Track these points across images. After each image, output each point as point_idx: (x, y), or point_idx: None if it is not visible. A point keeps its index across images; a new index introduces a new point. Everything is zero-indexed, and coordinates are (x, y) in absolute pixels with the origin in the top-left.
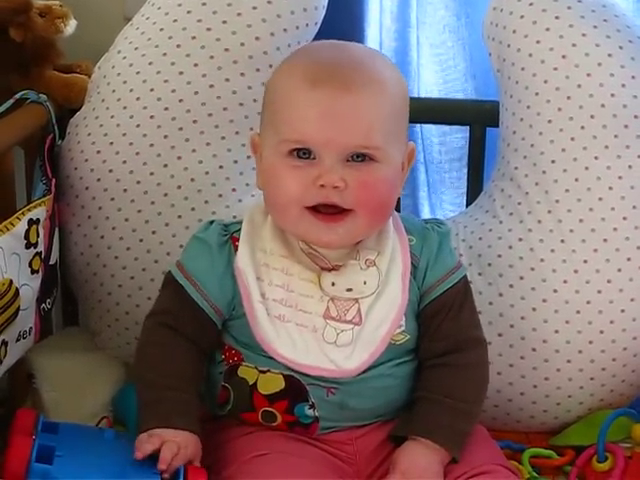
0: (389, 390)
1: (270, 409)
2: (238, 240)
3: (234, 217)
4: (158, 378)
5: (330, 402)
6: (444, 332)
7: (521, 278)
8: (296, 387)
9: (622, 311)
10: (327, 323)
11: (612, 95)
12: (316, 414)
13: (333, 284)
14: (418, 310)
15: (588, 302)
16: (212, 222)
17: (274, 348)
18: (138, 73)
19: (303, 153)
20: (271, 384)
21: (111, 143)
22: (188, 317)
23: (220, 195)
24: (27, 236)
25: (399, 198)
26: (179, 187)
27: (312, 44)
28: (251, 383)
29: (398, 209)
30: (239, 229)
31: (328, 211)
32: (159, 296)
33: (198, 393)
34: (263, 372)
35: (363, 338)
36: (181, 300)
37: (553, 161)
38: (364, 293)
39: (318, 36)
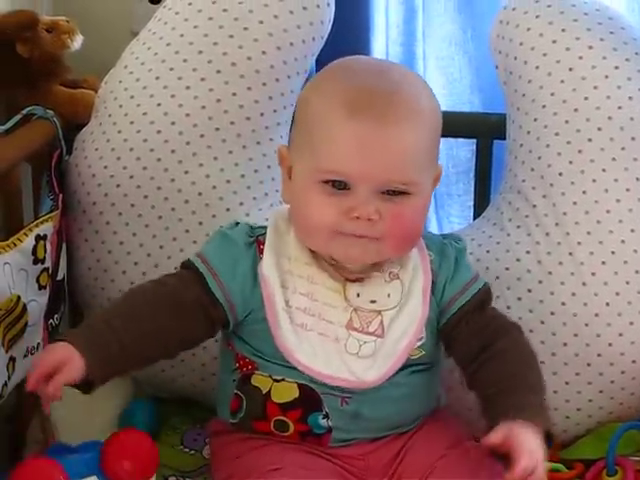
0: (403, 399)
1: (283, 418)
2: (263, 244)
3: None
4: (115, 318)
5: (344, 411)
6: (472, 330)
7: (529, 291)
8: (310, 396)
9: (631, 324)
10: (350, 334)
11: (619, 108)
12: (330, 424)
13: (358, 295)
14: (438, 327)
15: (596, 315)
16: (238, 222)
17: (295, 356)
18: (145, 88)
19: (339, 183)
20: (285, 393)
21: (118, 158)
22: (192, 295)
23: (228, 209)
24: (34, 252)
25: None
26: (186, 201)
27: (350, 63)
28: (265, 392)
29: None
30: (264, 233)
31: None
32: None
33: (133, 362)
34: (277, 381)
35: (384, 350)
36: (197, 286)
37: (560, 174)
38: (387, 306)
39: (324, 49)
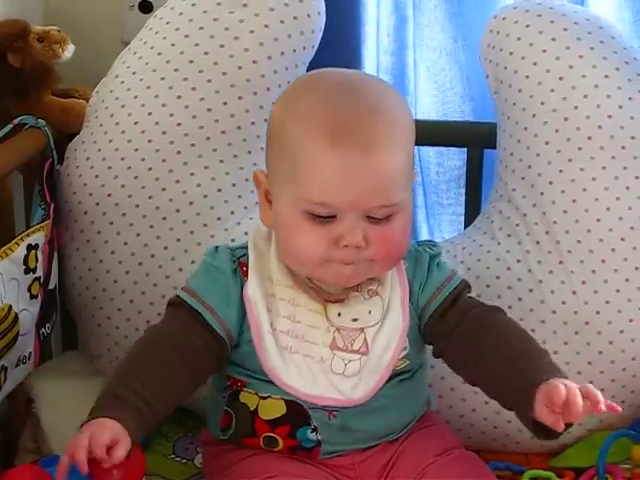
0: (391, 409)
1: (272, 434)
2: (245, 266)
3: (232, 240)
4: (134, 380)
5: (332, 425)
6: (450, 325)
7: (520, 299)
8: (298, 412)
9: (621, 332)
10: (334, 354)
11: (609, 116)
12: (318, 437)
13: (339, 314)
14: (420, 333)
15: (587, 323)
16: (217, 247)
17: (282, 379)
18: (136, 97)
19: (324, 214)
20: (272, 410)
21: (109, 167)
22: (199, 341)
23: (219, 218)
24: (26, 261)
25: None
26: (178, 210)
27: (319, 80)
28: (252, 409)
29: None
30: (245, 254)
31: None
32: (168, 315)
33: (158, 419)
34: (263, 398)
35: (369, 367)
36: (195, 324)
37: (551, 182)
38: (369, 322)
39: (315, 58)
